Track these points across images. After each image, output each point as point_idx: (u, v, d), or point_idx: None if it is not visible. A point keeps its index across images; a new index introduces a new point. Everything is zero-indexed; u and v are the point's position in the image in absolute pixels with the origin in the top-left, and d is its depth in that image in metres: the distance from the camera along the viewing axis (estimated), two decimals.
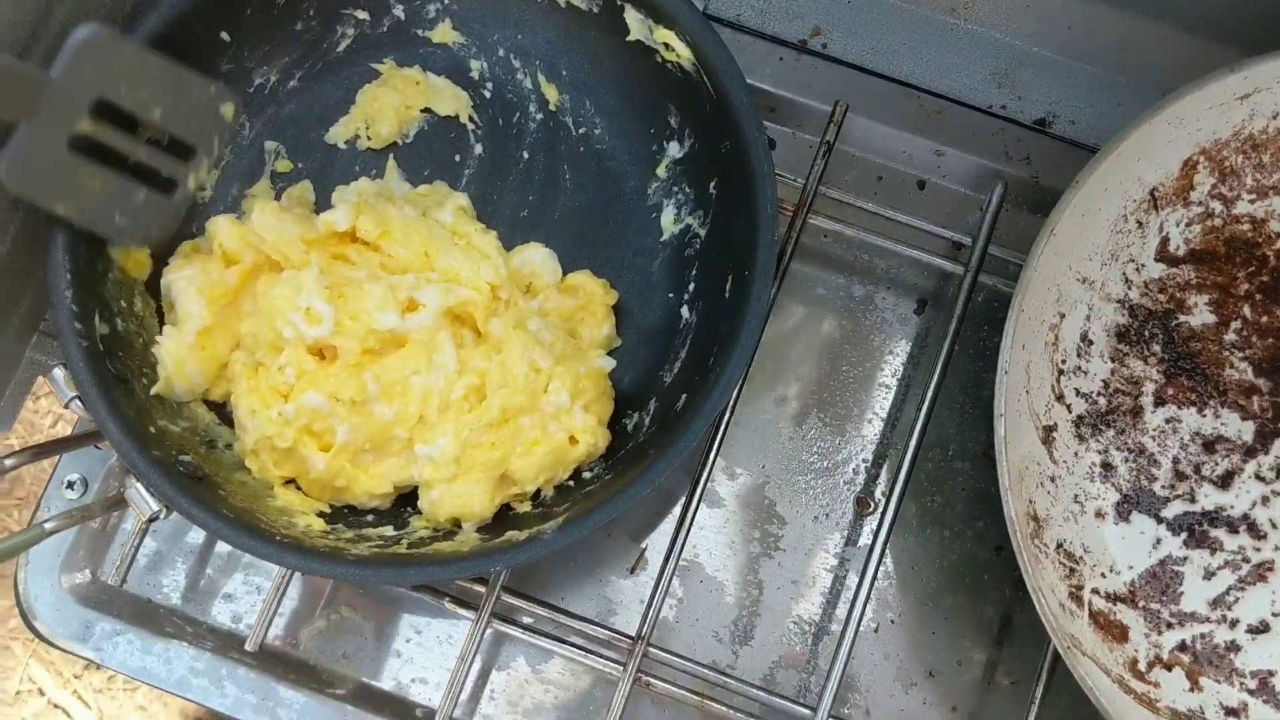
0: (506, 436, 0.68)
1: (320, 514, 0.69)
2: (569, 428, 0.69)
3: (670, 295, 0.76)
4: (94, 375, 0.65)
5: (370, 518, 0.71)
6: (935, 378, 0.75)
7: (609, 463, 0.71)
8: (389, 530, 0.69)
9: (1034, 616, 0.77)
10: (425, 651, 0.78)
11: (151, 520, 0.65)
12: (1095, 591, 0.71)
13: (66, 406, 0.66)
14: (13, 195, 0.62)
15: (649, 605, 0.72)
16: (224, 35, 0.73)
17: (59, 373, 0.66)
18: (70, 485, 0.79)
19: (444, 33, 0.79)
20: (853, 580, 0.79)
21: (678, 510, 0.80)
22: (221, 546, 0.80)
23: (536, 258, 0.75)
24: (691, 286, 0.75)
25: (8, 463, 0.64)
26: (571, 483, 0.71)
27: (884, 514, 0.73)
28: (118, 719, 1.67)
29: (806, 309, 0.83)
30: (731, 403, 0.73)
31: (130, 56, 0.65)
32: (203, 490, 0.65)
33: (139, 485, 0.65)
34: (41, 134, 0.61)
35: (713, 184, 0.74)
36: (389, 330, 0.68)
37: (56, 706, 1.67)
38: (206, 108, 0.69)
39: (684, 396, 0.70)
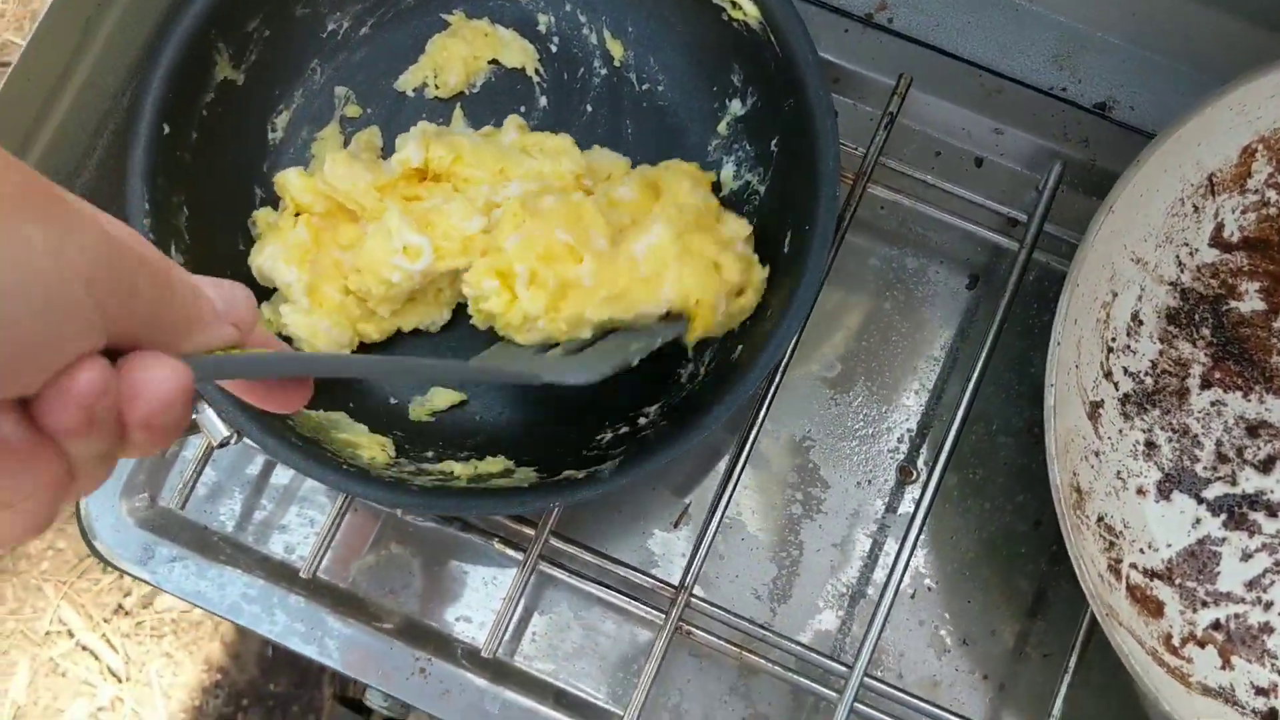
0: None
1: (383, 448, 0.71)
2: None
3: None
4: None
5: (430, 454, 0.72)
6: (985, 352, 0.76)
7: (663, 409, 0.73)
8: (449, 466, 0.71)
9: (1068, 592, 0.79)
10: (471, 591, 0.80)
11: (222, 445, 0.67)
12: (1134, 566, 0.73)
13: None
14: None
15: (692, 556, 0.74)
16: None
17: None
18: None
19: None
20: (891, 546, 0.81)
21: (722, 467, 0.82)
22: (277, 478, 0.82)
23: (609, 156, 0.76)
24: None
25: None
26: (626, 429, 0.73)
27: (926, 484, 0.74)
28: (143, 664, 1.70)
29: (859, 278, 0.84)
30: (785, 359, 0.75)
31: None
32: (271, 418, 0.67)
33: (210, 411, 0.67)
34: None
35: (774, 142, 0.75)
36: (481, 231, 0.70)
37: (84, 648, 1.70)
38: None
39: (739, 348, 0.71)
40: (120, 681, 1.69)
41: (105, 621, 1.72)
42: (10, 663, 1.68)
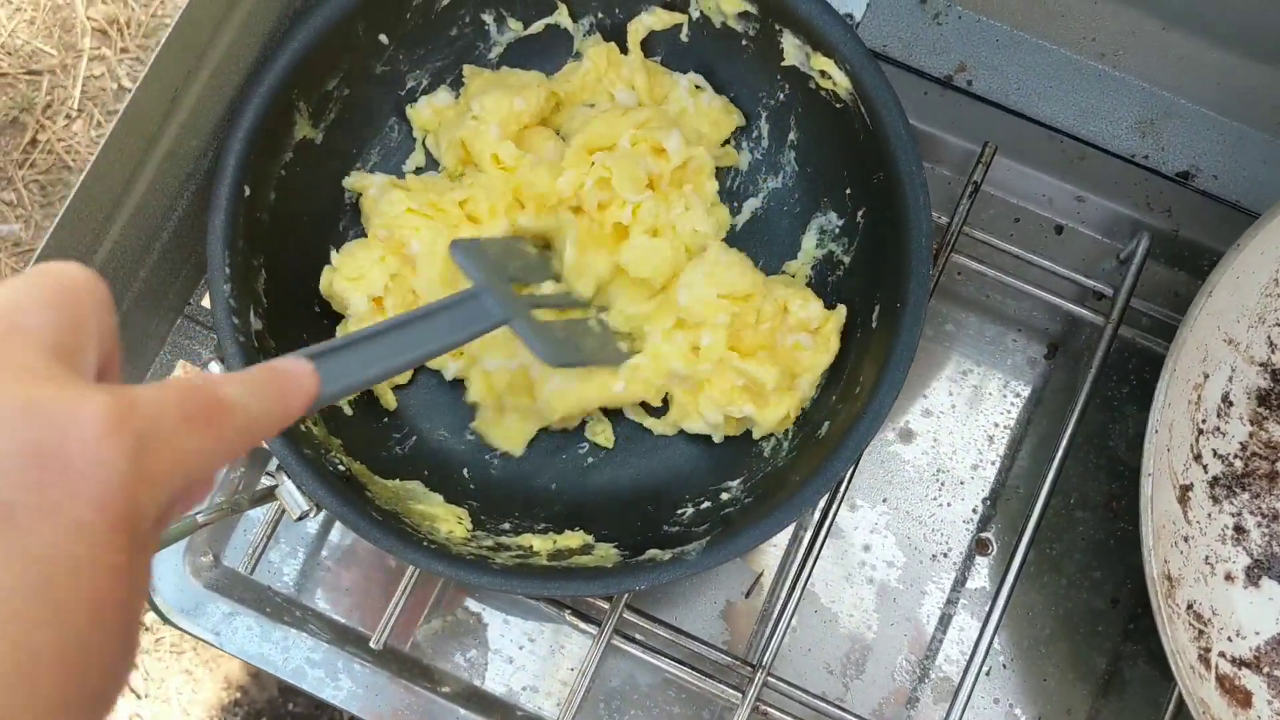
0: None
1: (459, 520, 0.70)
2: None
3: None
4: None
5: (507, 526, 0.71)
6: (1069, 430, 0.75)
7: (746, 485, 0.71)
8: (527, 539, 0.69)
9: (1145, 671, 0.78)
10: (536, 660, 0.79)
11: (300, 518, 0.66)
12: (1222, 655, 0.71)
13: None
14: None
15: (770, 634, 0.73)
16: (382, 37, 0.74)
17: (215, 367, 0.67)
18: None
19: (594, 45, 0.79)
20: (965, 620, 0.79)
21: (792, 532, 0.80)
22: (340, 540, 0.81)
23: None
24: None
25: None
26: (708, 504, 0.71)
27: (1009, 563, 0.73)
28: (163, 681, 1.68)
29: (936, 344, 0.83)
30: None
31: None
32: (350, 492, 0.66)
33: (290, 484, 0.66)
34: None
35: (860, 213, 0.74)
36: None
37: None
38: None
39: (826, 424, 0.70)
40: (139, 698, 1.68)
41: None
42: None
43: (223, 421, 0.34)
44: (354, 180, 0.76)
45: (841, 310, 0.73)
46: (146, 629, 1.71)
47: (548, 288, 0.71)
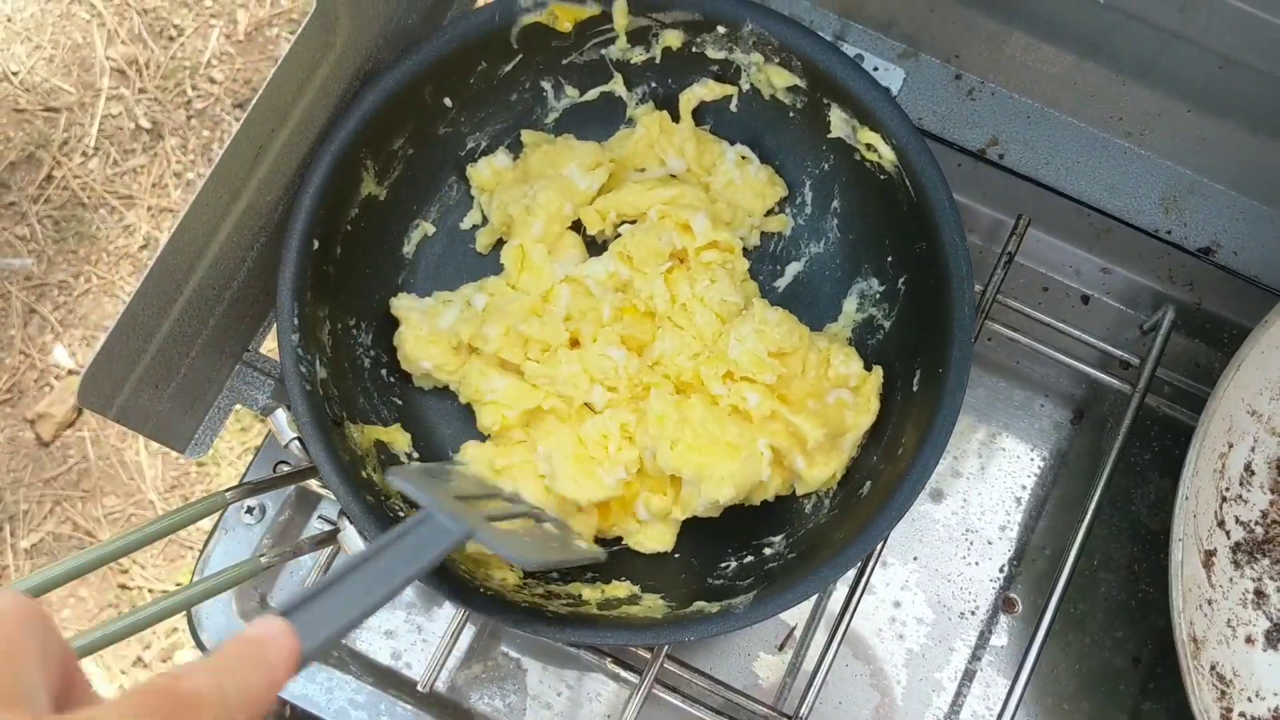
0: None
1: (511, 568, 0.72)
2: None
3: None
4: (314, 418, 0.68)
5: (555, 574, 0.73)
6: (1097, 493, 0.77)
7: (789, 540, 0.74)
8: (576, 588, 0.71)
9: None
10: (575, 706, 0.81)
11: None
12: (1242, 715, 0.73)
13: (286, 446, 0.69)
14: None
15: (808, 687, 0.75)
16: (447, 101, 0.77)
17: (281, 414, 0.69)
18: (249, 511, 0.82)
19: (647, 113, 0.82)
20: (991, 676, 0.82)
21: (827, 589, 0.82)
22: None
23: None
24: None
25: (229, 496, 0.67)
26: (751, 558, 0.74)
27: (1039, 623, 0.75)
28: None
29: (968, 407, 0.85)
30: None
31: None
32: None
33: (350, 528, 0.68)
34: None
35: (902, 280, 0.77)
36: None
37: None
38: None
39: (868, 484, 0.72)
40: None
41: (123, 673, 1.71)
42: None
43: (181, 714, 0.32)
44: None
45: (879, 371, 0.76)
46: (144, 666, 1.71)
47: (494, 504, 0.68)
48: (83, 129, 2.00)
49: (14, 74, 2.01)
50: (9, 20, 2.02)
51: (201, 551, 0.82)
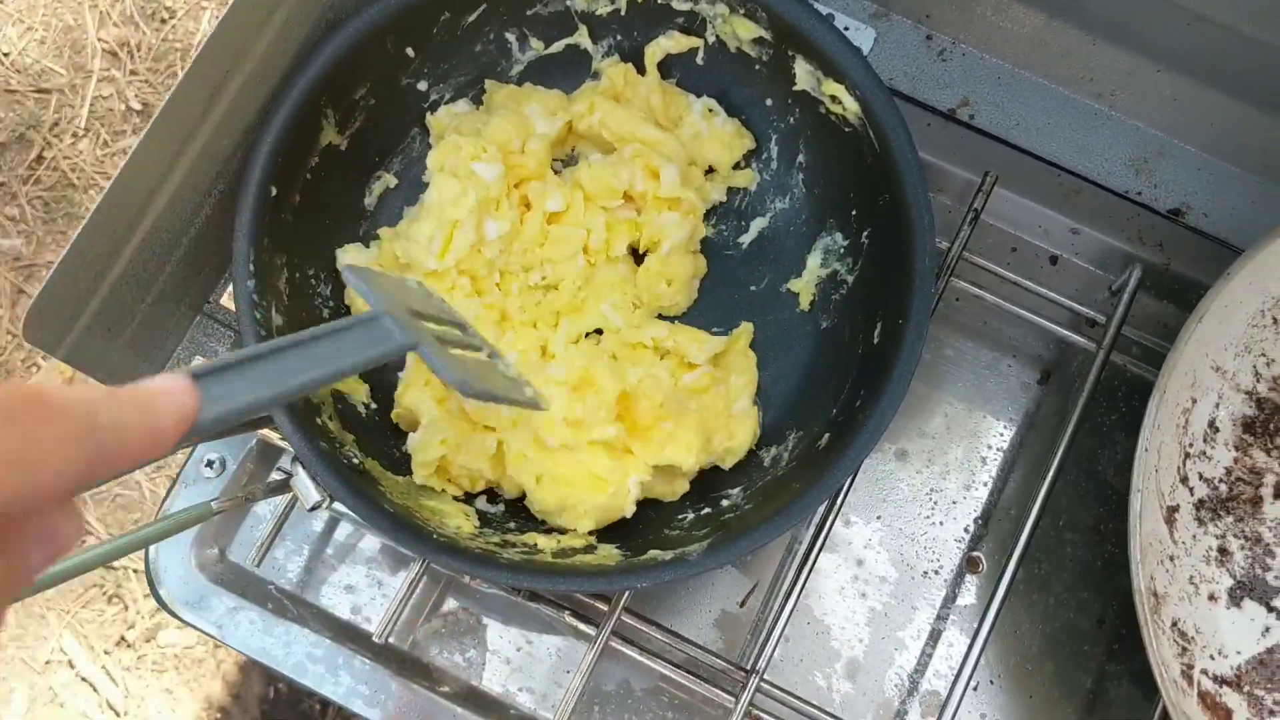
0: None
1: (467, 516, 0.71)
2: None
3: (811, 335, 0.78)
4: None
5: (513, 524, 0.73)
6: (1060, 452, 0.77)
7: (747, 492, 0.73)
8: (532, 538, 0.71)
9: (1129, 691, 0.80)
10: (534, 661, 0.80)
11: (313, 509, 0.67)
12: (1204, 672, 0.73)
13: None
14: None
15: (765, 640, 0.74)
16: (409, 51, 0.77)
17: None
18: (210, 464, 0.81)
19: (613, 65, 0.82)
20: (954, 636, 0.81)
21: (789, 545, 0.82)
22: (343, 537, 0.82)
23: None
24: (835, 328, 0.78)
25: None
26: (708, 510, 0.73)
27: (999, 581, 0.75)
28: (143, 699, 1.68)
29: (934, 368, 0.85)
30: None
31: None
32: (364, 484, 0.67)
33: (304, 474, 0.67)
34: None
35: (865, 234, 0.77)
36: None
37: (84, 680, 1.69)
38: None
39: (826, 436, 0.72)
40: (118, 716, 1.67)
41: (106, 653, 1.71)
42: (8, 690, 1.67)
43: (44, 423, 0.30)
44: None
45: (747, 327, 0.79)
46: (128, 646, 1.71)
47: (449, 330, 0.63)
48: (73, 110, 2.00)
49: (5, 55, 2.01)
50: (1, 2, 2.02)
51: (160, 506, 0.82)
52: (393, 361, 0.74)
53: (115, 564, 1.75)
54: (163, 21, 2.05)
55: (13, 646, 1.69)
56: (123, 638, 1.72)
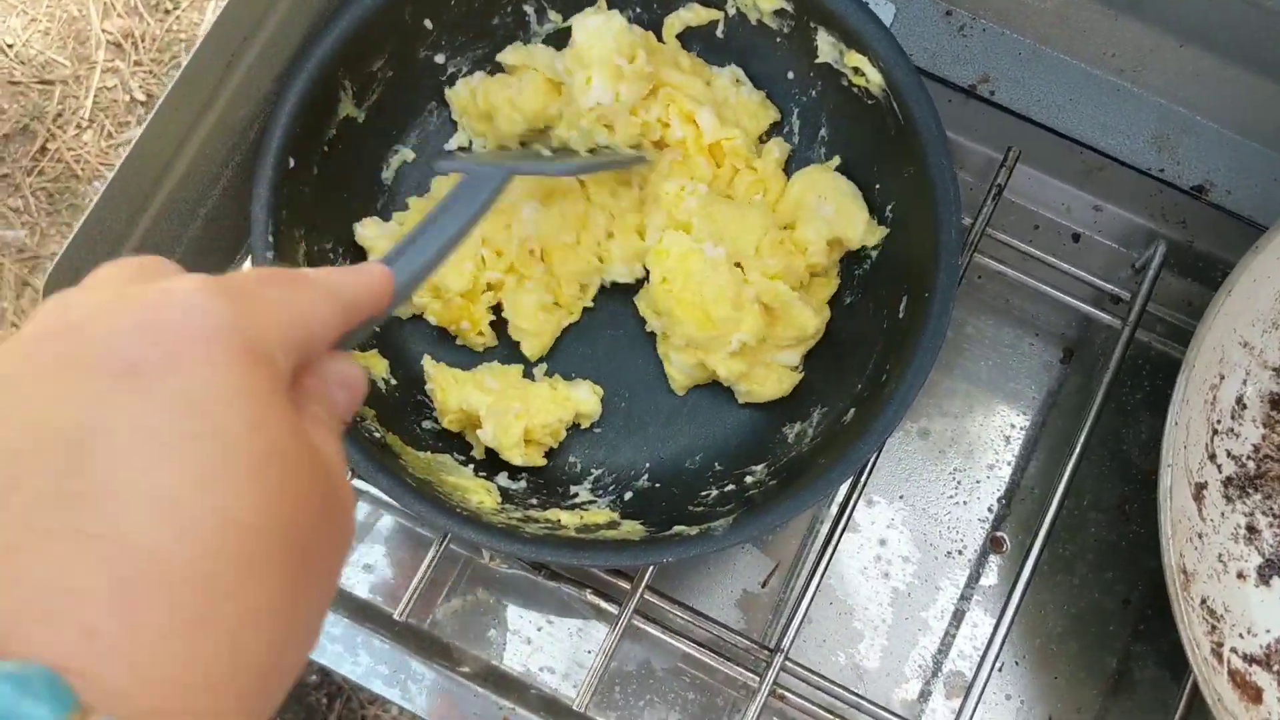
0: None
1: (489, 493, 0.71)
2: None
3: (836, 311, 0.78)
4: None
5: (535, 500, 0.72)
6: (1085, 431, 0.76)
7: (771, 469, 0.72)
8: (555, 514, 0.70)
9: (1154, 673, 0.79)
10: (555, 641, 0.80)
11: None
12: (1234, 650, 0.72)
13: None
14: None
15: (788, 620, 0.73)
16: (427, 23, 0.76)
17: None
18: None
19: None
20: (979, 616, 0.80)
21: (811, 525, 0.81)
22: (362, 517, 0.81)
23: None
24: (860, 303, 0.77)
25: None
26: (732, 486, 0.72)
27: (1024, 561, 0.74)
28: None
29: (957, 345, 0.84)
30: None
31: None
32: (387, 457, 0.66)
33: None
34: None
35: (890, 207, 0.76)
36: None
37: None
38: None
39: (851, 411, 0.71)
40: None
41: None
42: None
43: (300, 282, 0.35)
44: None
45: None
46: None
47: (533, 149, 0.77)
48: (77, 101, 1.99)
49: (9, 47, 2.00)
50: None
51: None
52: (413, 345, 0.75)
53: None
54: (166, 12, 2.04)
55: None
56: None
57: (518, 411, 0.71)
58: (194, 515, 0.27)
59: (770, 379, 0.74)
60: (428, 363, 0.75)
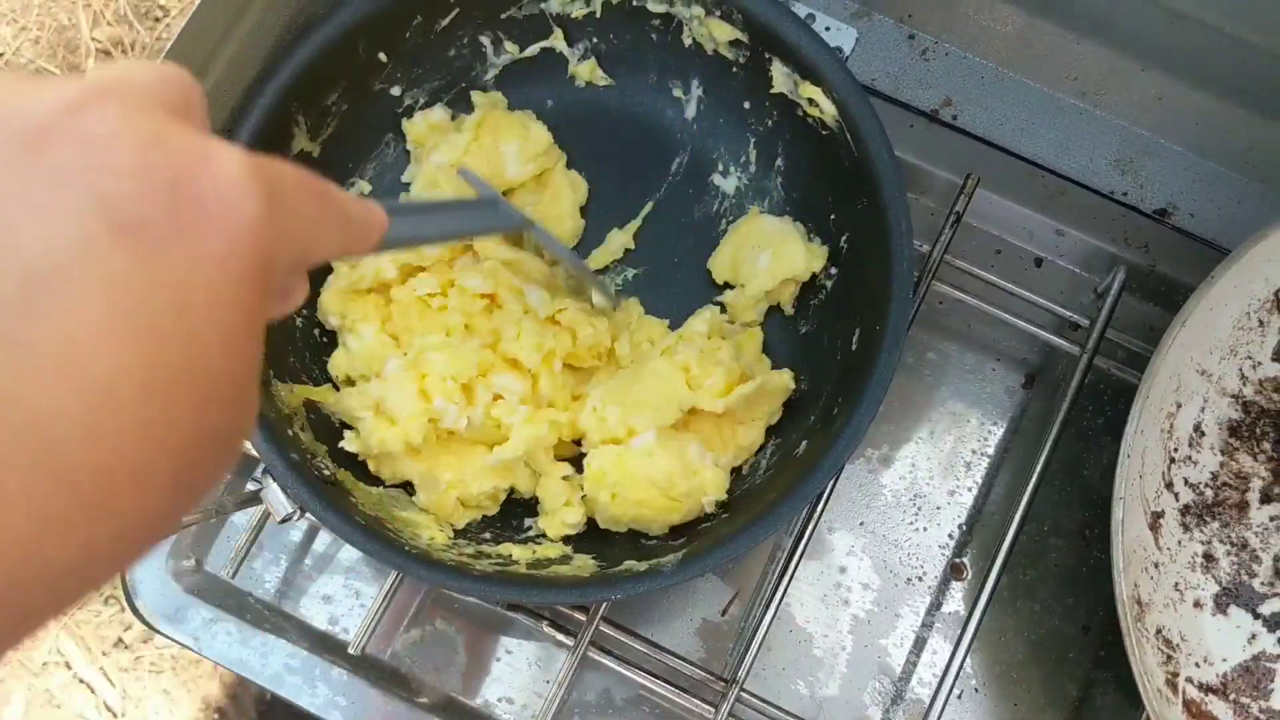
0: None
1: (441, 528, 0.71)
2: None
3: (791, 341, 0.78)
4: None
5: (488, 535, 0.72)
6: (1043, 456, 0.76)
7: (723, 503, 0.72)
8: (507, 549, 0.70)
9: (1114, 699, 0.79)
10: (514, 672, 0.80)
11: (284, 521, 0.67)
12: (1189, 680, 0.72)
13: None
14: None
15: (745, 650, 0.73)
16: (382, 56, 0.76)
17: None
18: None
19: (589, 70, 0.81)
20: (938, 644, 0.80)
21: (770, 553, 0.81)
22: (321, 547, 0.82)
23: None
24: (814, 334, 0.77)
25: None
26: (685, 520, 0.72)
27: (981, 587, 0.74)
28: (140, 700, 1.67)
29: (917, 372, 0.84)
30: None
31: None
32: (335, 495, 0.66)
33: (274, 486, 0.67)
34: None
35: (844, 239, 0.76)
36: None
37: (82, 682, 1.68)
38: None
39: (804, 444, 0.71)
40: (116, 717, 1.67)
41: (104, 655, 1.70)
42: (6, 691, 1.66)
43: (330, 201, 0.35)
44: None
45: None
46: (125, 647, 1.70)
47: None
48: None
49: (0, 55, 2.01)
50: None
51: None
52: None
53: None
54: (156, 20, 2.04)
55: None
56: (120, 639, 1.71)
57: (449, 481, 0.71)
58: (114, 405, 0.25)
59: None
60: (349, 440, 0.72)
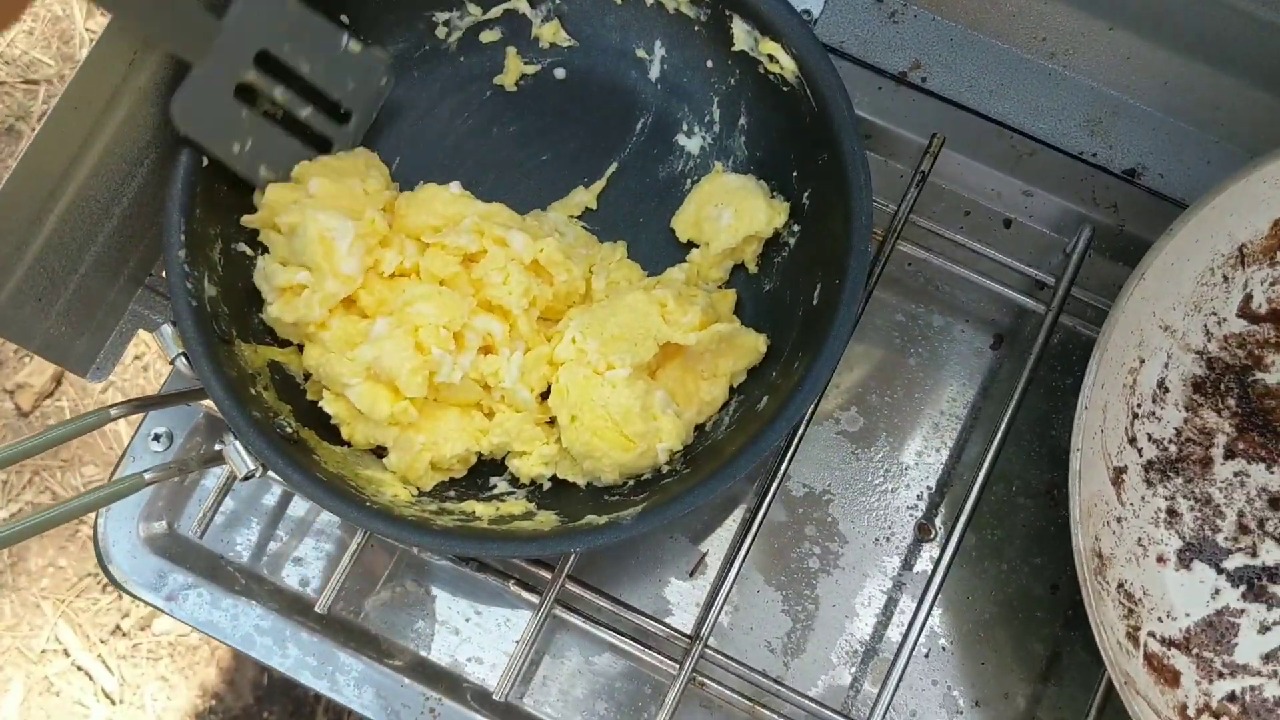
0: None
1: (405, 486, 0.71)
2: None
3: (755, 298, 0.78)
4: (201, 335, 0.67)
5: (452, 493, 0.72)
6: (1008, 414, 0.76)
7: (685, 456, 0.73)
8: (471, 506, 0.71)
9: (1083, 658, 0.79)
10: (483, 632, 0.80)
11: (246, 478, 0.67)
12: (1152, 634, 0.72)
13: (172, 363, 0.68)
14: (180, 134, 0.67)
15: (708, 607, 0.74)
16: (344, 18, 0.76)
17: (168, 329, 0.68)
18: (156, 438, 0.81)
19: (552, 32, 0.81)
20: (907, 604, 0.80)
21: (740, 515, 0.82)
22: (294, 510, 0.82)
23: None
24: (778, 290, 0.77)
25: (113, 412, 0.66)
26: (647, 476, 0.73)
27: (945, 544, 0.74)
28: (138, 687, 1.68)
29: (885, 334, 0.84)
30: (810, 412, 0.75)
31: (296, 14, 0.71)
32: (297, 453, 0.67)
33: (237, 444, 0.67)
34: (210, 79, 0.68)
35: (806, 194, 0.76)
36: None
37: (79, 668, 1.69)
38: (363, 73, 0.75)
39: (765, 399, 0.71)
40: (114, 704, 1.68)
41: (102, 642, 1.71)
42: (5, 679, 1.67)
43: None
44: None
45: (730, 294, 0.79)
46: (123, 634, 1.71)
47: None
48: None
49: None
50: None
51: (110, 479, 0.81)
52: None
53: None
54: None
55: (8, 636, 1.69)
56: (118, 626, 1.72)
57: (423, 444, 0.71)
58: None
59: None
60: (328, 400, 0.73)
